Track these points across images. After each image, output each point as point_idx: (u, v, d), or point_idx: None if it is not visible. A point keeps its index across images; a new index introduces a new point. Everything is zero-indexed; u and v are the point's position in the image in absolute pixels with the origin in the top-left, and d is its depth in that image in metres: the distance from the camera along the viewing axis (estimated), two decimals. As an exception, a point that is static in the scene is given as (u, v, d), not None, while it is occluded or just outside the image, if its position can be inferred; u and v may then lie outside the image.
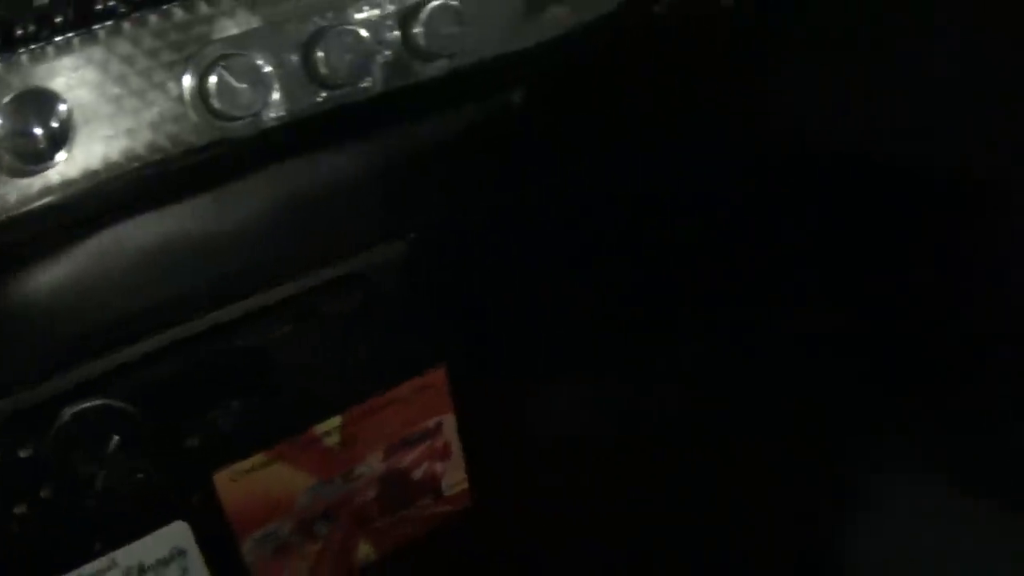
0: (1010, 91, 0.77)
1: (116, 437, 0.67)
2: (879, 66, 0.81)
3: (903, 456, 0.93)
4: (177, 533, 0.74)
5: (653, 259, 0.89)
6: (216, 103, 0.59)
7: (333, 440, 0.78)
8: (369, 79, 0.63)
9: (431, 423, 0.82)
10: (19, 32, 0.53)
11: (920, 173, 0.83)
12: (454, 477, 0.85)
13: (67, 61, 0.55)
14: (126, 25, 0.56)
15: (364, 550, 0.82)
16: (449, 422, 0.83)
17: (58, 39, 0.55)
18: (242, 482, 0.75)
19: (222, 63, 0.59)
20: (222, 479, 0.74)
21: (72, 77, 0.56)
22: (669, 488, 0.96)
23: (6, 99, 0.54)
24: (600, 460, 0.93)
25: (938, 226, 0.84)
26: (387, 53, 0.64)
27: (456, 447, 0.84)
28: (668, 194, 0.86)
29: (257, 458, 0.75)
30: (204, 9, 0.58)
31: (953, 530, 0.91)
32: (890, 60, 0.80)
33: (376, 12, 0.62)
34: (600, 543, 0.94)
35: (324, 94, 0.62)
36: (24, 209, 0.56)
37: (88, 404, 0.66)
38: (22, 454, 0.64)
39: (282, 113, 0.61)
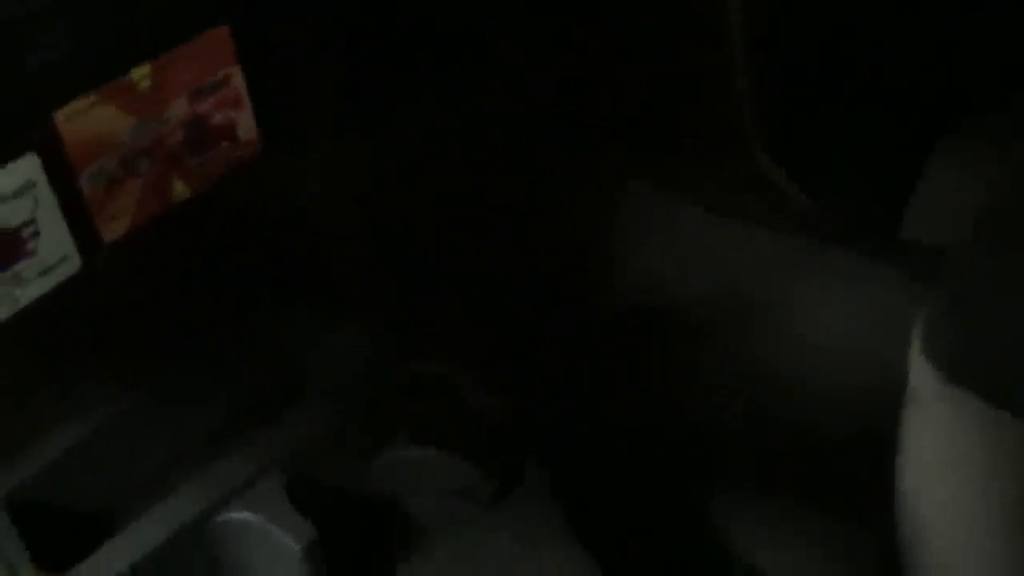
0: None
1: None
2: None
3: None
4: (28, 165, 0.87)
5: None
6: None
7: (145, 84, 0.92)
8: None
9: (221, 74, 0.98)
10: None
11: None
12: (246, 125, 1.01)
13: None
14: None
15: (178, 187, 0.98)
16: (237, 74, 0.99)
17: None
18: (76, 121, 0.89)
19: None
20: (60, 118, 0.88)
21: None
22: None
23: None
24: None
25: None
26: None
27: (245, 99, 1.00)
28: None
29: (87, 99, 0.89)
30: None
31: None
32: None
33: None
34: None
35: None
36: None
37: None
38: None
39: None
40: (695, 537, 1.12)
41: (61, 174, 0.90)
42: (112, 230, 0.94)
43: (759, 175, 1.17)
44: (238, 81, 0.99)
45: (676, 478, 1.15)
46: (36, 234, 0.89)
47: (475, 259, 1.26)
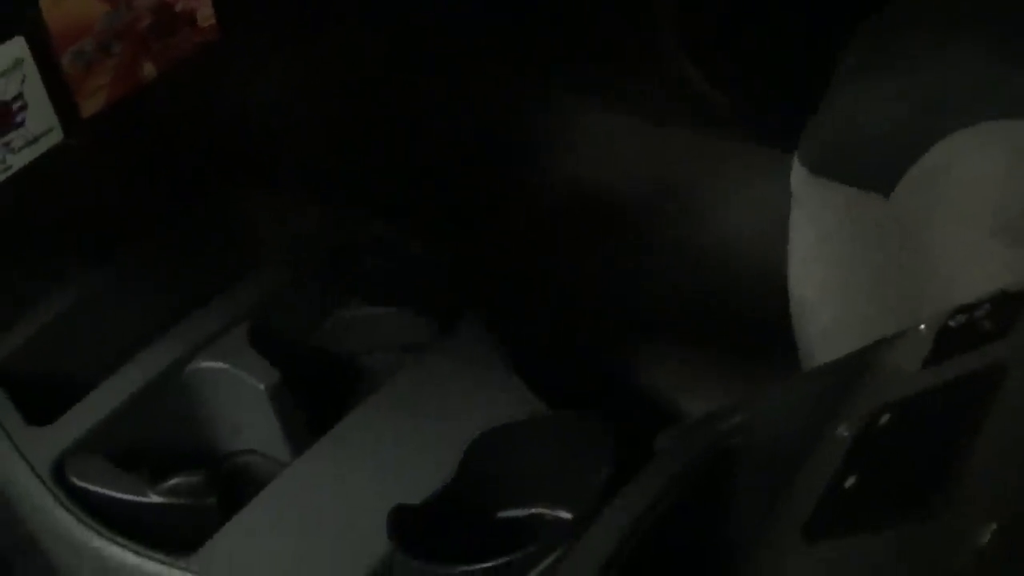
0: None
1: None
2: None
3: None
4: (17, 46, 0.98)
5: None
6: None
7: (118, -29, 1.03)
8: None
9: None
10: None
11: None
12: (205, 13, 1.12)
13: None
14: None
15: (147, 68, 1.09)
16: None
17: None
18: (59, 7, 0.99)
19: None
20: (45, 3, 0.98)
21: None
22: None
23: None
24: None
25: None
26: None
27: (204, -12, 1.11)
28: None
29: (67, -15, 0.99)
30: None
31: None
32: None
33: None
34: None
35: None
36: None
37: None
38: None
39: None
40: (625, 378, 1.24)
41: (46, 54, 1.00)
42: (90, 106, 1.05)
43: (680, 79, 1.27)
44: (199, -28, 1.10)
45: (604, 324, 1.27)
46: (24, 107, 1.00)
47: (417, 142, 1.38)
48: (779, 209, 1.16)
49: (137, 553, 0.96)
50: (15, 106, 0.98)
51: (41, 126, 1.01)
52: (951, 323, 0.67)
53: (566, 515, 0.99)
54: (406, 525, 0.92)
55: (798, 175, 0.98)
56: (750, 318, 1.24)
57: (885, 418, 0.61)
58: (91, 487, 0.99)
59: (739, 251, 1.32)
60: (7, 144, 0.98)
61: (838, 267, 0.98)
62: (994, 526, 0.46)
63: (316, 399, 1.11)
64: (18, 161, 1.00)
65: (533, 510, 1.00)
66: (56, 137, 1.02)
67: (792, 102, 1.05)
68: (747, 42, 1.28)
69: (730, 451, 0.78)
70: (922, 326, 0.69)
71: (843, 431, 0.62)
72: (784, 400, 0.78)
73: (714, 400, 1.20)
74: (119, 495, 0.99)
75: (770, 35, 1.28)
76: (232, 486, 1.04)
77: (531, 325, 1.21)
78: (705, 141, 1.36)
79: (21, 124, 0.99)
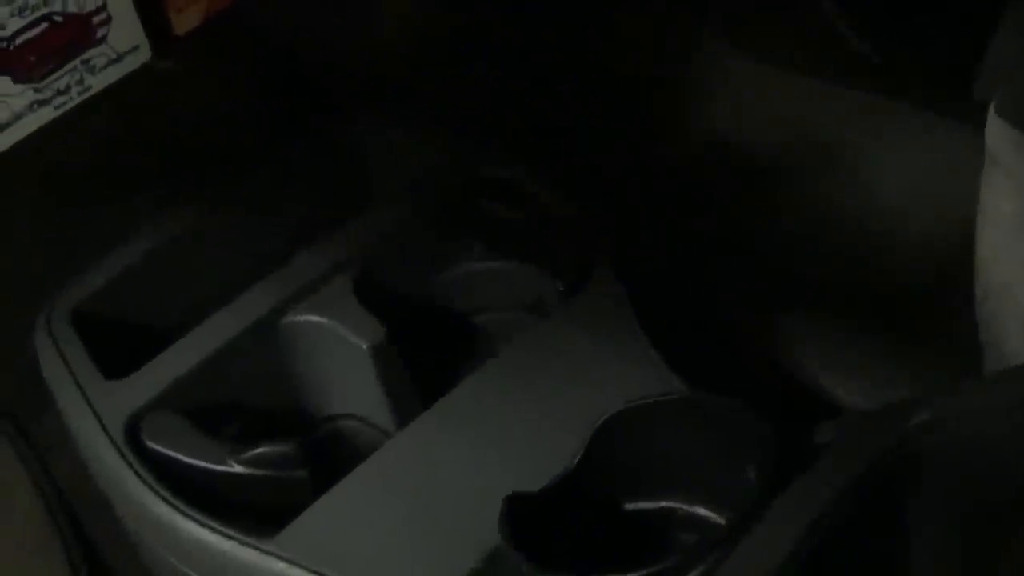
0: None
1: None
2: None
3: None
4: (99, -53, 0.86)
5: None
6: None
7: None
8: None
9: None
10: None
11: None
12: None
13: None
14: None
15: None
16: None
17: None
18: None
19: None
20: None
21: None
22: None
23: None
24: None
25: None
26: None
27: None
28: None
29: None
30: None
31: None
32: None
33: None
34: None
35: None
36: None
37: None
38: None
39: None
40: (769, 355, 1.11)
41: (133, -40, 0.88)
42: (184, 21, 0.93)
43: (830, 31, 1.14)
44: None
45: (748, 298, 1.14)
46: (107, 21, 0.88)
47: (550, 79, 1.24)
48: (943, 173, 1.08)
49: (213, 530, 0.84)
50: (96, 19, 0.87)
51: (126, 43, 0.89)
52: None
53: (705, 512, 0.85)
54: (521, 518, 0.79)
55: (998, 131, 0.84)
56: (910, 297, 1.10)
57: None
58: (167, 451, 0.89)
59: (899, 218, 1.18)
60: (87, 62, 0.87)
61: None
62: None
63: (426, 362, 0.98)
64: (98, 82, 0.88)
65: (664, 503, 0.86)
66: (143, 56, 0.91)
67: (948, 59, 0.98)
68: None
69: (919, 453, 0.65)
70: None
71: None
72: (986, 399, 0.65)
73: (865, 389, 1.08)
74: (197, 462, 0.87)
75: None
76: (326, 456, 0.92)
77: (667, 291, 1.07)
78: (859, 98, 1.23)
79: (103, 40, 0.87)
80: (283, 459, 0.89)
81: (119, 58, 0.89)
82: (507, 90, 1.23)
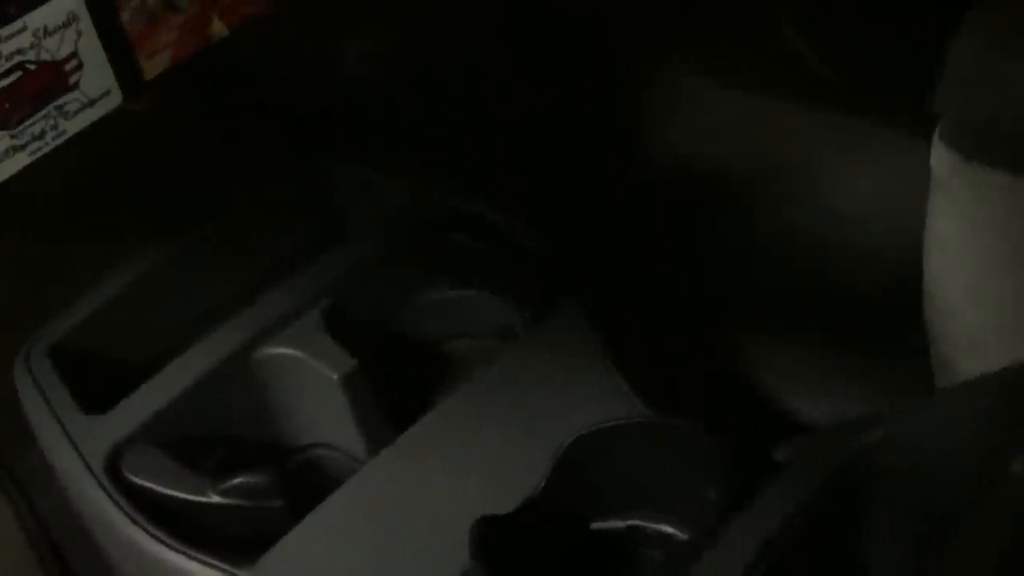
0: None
1: None
2: None
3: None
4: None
5: None
6: None
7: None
8: None
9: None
10: None
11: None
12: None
13: None
14: None
15: (216, 25, 0.99)
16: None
17: None
18: (119, -45, 0.90)
19: None
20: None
21: None
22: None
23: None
24: None
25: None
26: None
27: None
28: None
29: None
30: None
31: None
32: None
33: None
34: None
35: None
36: None
37: None
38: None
39: None
40: (729, 374, 1.14)
41: (104, 9, 0.90)
42: (153, 67, 0.95)
43: (787, 50, 1.17)
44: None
45: (708, 318, 1.17)
46: (79, 67, 0.91)
47: (514, 110, 1.27)
48: (902, 189, 1.05)
49: (193, 559, 0.86)
50: (68, 66, 0.89)
51: (98, 88, 0.92)
52: None
53: (669, 529, 0.88)
54: (491, 541, 0.82)
55: (944, 159, 0.86)
56: (869, 314, 1.12)
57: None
58: (147, 483, 0.91)
59: (859, 235, 1.20)
60: (60, 108, 0.89)
61: (992, 265, 0.85)
62: None
63: (396, 390, 1.01)
64: (73, 127, 0.91)
65: (630, 522, 0.89)
66: (115, 100, 0.93)
67: (910, 74, 0.96)
68: (857, 14, 1.17)
69: (871, 470, 0.68)
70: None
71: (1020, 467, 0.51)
72: (936, 416, 0.68)
73: (825, 406, 1.10)
74: (176, 494, 0.90)
75: (881, 6, 1.16)
76: (302, 485, 0.94)
77: (630, 316, 1.10)
78: (819, 118, 1.25)
79: (76, 86, 0.90)
80: (260, 489, 0.91)
81: (91, 103, 0.92)
82: (473, 126, 1.25)
